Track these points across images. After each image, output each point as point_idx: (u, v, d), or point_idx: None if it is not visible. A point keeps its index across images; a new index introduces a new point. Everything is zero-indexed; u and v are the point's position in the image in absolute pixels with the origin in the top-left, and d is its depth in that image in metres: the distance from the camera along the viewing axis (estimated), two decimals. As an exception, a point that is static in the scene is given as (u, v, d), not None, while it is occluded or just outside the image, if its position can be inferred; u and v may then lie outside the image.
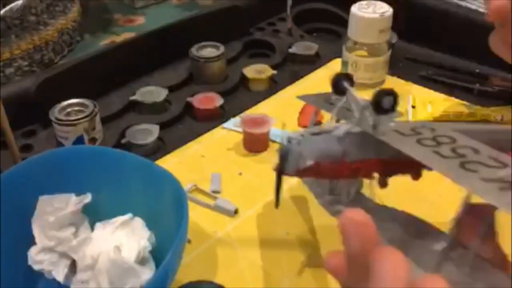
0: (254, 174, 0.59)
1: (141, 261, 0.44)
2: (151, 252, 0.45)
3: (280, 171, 0.29)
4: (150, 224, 0.46)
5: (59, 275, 0.44)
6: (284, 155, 0.29)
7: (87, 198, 0.47)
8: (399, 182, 0.38)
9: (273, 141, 0.63)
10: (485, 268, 0.29)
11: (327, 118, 0.67)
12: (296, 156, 0.29)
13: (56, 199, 0.46)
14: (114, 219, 0.47)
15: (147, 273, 0.43)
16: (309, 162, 0.29)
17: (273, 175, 0.59)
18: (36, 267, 0.44)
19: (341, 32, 0.86)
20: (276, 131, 0.64)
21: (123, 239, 0.45)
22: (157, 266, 0.44)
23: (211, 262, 0.49)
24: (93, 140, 0.60)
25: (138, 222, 0.46)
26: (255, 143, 0.62)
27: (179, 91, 0.72)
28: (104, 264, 0.42)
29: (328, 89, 0.41)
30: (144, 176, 0.46)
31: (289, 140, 0.30)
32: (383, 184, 0.36)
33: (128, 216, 0.47)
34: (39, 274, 0.45)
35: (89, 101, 0.61)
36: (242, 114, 0.64)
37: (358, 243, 0.25)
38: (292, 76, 0.76)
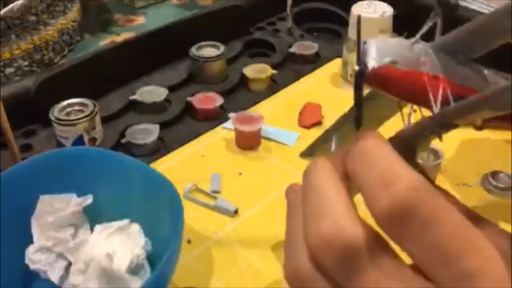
0: (254, 174, 0.59)
1: (134, 269, 0.44)
2: (148, 257, 0.45)
3: (361, 72, 0.27)
4: (147, 228, 0.46)
5: (54, 276, 0.44)
6: (363, 53, 0.27)
7: (89, 199, 0.47)
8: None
9: (267, 139, 0.63)
10: None
11: (327, 117, 0.67)
12: (374, 53, 0.27)
13: (56, 199, 0.46)
14: (111, 224, 0.46)
15: (136, 282, 0.42)
16: (387, 60, 0.27)
17: (273, 175, 0.59)
18: (32, 266, 0.44)
19: (341, 32, 0.86)
20: (269, 129, 0.64)
21: (117, 245, 0.44)
22: (153, 272, 0.44)
23: (211, 262, 0.49)
24: (93, 140, 0.60)
25: (135, 228, 0.46)
26: (246, 140, 0.62)
27: (179, 91, 0.72)
28: (95, 270, 0.42)
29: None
30: (143, 180, 0.46)
31: (366, 41, 0.28)
32: (479, 127, 0.33)
33: (125, 221, 0.46)
34: (37, 274, 0.45)
35: (89, 101, 0.61)
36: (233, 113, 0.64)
37: None
38: (292, 76, 0.76)
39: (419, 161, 0.56)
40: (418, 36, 0.30)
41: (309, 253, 0.22)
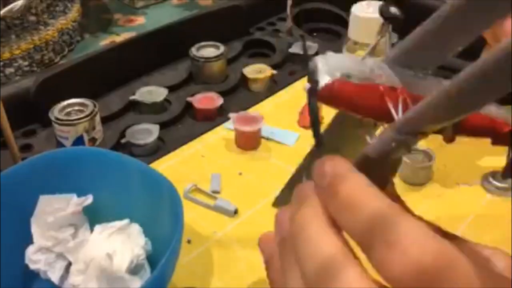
0: (254, 174, 0.59)
1: (134, 269, 0.44)
2: (148, 257, 0.45)
3: (313, 89, 0.25)
4: (147, 228, 0.46)
5: (54, 276, 0.44)
6: (312, 70, 0.25)
7: (89, 199, 0.47)
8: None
9: (266, 139, 0.63)
10: None
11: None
12: (324, 68, 0.26)
13: (56, 199, 0.46)
14: (111, 224, 0.46)
15: (136, 282, 0.42)
16: (338, 73, 0.25)
17: (273, 175, 0.59)
18: (32, 266, 0.44)
19: (341, 32, 0.86)
20: (269, 129, 0.64)
21: (117, 245, 0.44)
22: (153, 272, 0.44)
23: (211, 262, 0.49)
24: (93, 140, 0.60)
25: (135, 228, 0.46)
26: (246, 141, 0.63)
27: (179, 91, 0.72)
28: (94, 270, 0.42)
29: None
30: (143, 180, 0.46)
31: (313, 58, 0.26)
32: (449, 139, 0.31)
33: (125, 221, 0.46)
34: (37, 274, 0.45)
35: (89, 101, 0.61)
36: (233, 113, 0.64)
37: None
38: (292, 76, 0.76)
39: (407, 160, 0.56)
40: (368, 49, 0.28)
41: None
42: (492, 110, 0.35)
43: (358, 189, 0.22)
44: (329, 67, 0.26)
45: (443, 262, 0.19)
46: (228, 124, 0.66)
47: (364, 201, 0.21)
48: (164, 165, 0.60)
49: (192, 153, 0.63)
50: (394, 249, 0.19)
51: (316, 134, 0.27)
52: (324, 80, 0.25)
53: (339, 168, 0.23)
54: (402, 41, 0.27)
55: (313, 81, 0.25)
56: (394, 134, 0.24)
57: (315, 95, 0.26)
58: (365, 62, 0.27)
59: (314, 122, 0.27)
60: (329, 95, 0.26)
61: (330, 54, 0.27)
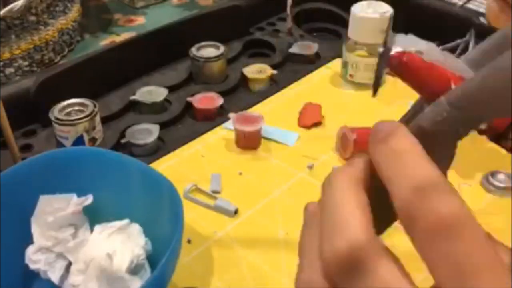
0: (254, 174, 0.59)
1: (134, 269, 0.44)
2: (148, 257, 0.45)
3: (384, 55, 0.27)
4: (147, 228, 0.46)
5: (54, 276, 0.44)
6: (392, 40, 0.28)
7: (89, 199, 0.47)
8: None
9: (267, 139, 0.63)
10: None
11: (327, 117, 0.67)
12: (401, 42, 0.28)
13: (56, 199, 0.46)
14: (111, 223, 0.46)
15: (136, 282, 0.42)
16: (413, 48, 0.27)
17: (273, 175, 0.59)
18: (32, 266, 0.44)
19: (341, 32, 0.86)
20: (269, 129, 0.64)
21: (117, 245, 0.44)
22: (153, 272, 0.44)
23: (211, 262, 0.49)
24: (93, 140, 0.60)
25: (135, 228, 0.46)
26: (246, 141, 0.63)
27: (179, 91, 0.72)
28: (94, 270, 0.42)
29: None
30: (143, 180, 0.46)
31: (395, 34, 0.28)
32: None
33: (125, 221, 0.46)
34: (37, 274, 0.45)
35: (89, 101, 0.61)
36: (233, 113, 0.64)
37: None
38: (292, 76, 0.76)
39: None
40: (449, 45, 0.30)
41: (323, 268, 0.22)
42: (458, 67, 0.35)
43: (408, 145, 0.22)
44: (405, 43, 0.28)
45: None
46: (228, 124, 0.66)
47: (412, 161, 0.21)
48: (164, 165, 0.60)
49: (192, 153, 0.63)
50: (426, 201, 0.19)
51: (375, 87, 0.29)
52: (396, 49, 0.27)
53: (396, 129, 0.22)
54: (481, 43, 0.28)
55: (387, 47, 0.28)
56: (445, 105, 0.23)
57: (386, 60, 0.28)
58: (444, 52, 0.28)
59: (377, 78, 0.29)
60: (398, 63, 0.28)
61: (410, 36, 0.28)
